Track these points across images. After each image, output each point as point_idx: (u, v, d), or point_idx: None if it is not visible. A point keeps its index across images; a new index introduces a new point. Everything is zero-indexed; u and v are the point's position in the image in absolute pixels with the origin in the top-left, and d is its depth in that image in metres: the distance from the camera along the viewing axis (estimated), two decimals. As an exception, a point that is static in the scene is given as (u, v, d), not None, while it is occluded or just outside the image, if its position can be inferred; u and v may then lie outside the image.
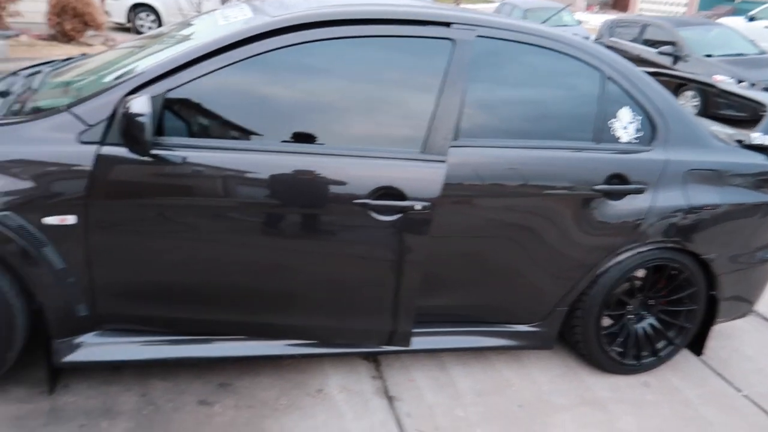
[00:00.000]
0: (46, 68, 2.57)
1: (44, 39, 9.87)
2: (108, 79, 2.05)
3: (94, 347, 2.02)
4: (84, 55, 2.85)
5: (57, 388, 2.08)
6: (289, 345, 2.21)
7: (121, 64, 2.22)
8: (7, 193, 1.77)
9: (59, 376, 2.10)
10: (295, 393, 2.23)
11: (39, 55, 7.94)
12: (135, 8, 11.80)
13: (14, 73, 2.47)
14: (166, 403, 2.10)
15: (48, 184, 1.80)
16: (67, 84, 2.24)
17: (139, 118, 1.67)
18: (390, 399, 2.26)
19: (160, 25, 11.75)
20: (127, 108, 1.72)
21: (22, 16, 9.49)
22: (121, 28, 11.94)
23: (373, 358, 2.47)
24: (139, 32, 11.63)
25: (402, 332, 2.19)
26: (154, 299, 2.05)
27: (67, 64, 2.61)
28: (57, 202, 1.81)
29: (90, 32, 10.52)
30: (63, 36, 10.09)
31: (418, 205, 1.95)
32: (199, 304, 2.08)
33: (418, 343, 2.25)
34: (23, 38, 9.29)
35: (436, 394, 2.31)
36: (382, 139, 2.05)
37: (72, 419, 1.97)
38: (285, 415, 2.12)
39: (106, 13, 11.58)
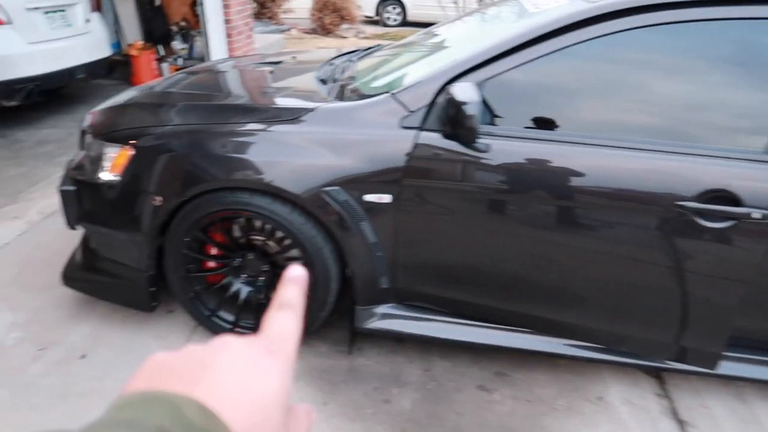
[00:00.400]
0: (353, 57, 2.81)
1: (307, 32, 11.05)
2: (420, 67, 2.15)
3: (389, 318, 2.17)
4: (379, 46, 3.07)
5: (353, 351, 2.27)
6: (569, 345, 2.13)
7: (429, 52, 2.32)
8: (338, 170, 1.95)
9: (355, 339, 2.30)
10: (573, 396, 2.14)
11: (306, 46, 8.92)
12: (383, 2, 12.58)
13: (329, 62, 2.74)
14: (447, 381, 2.17)
15: (372, 164, 1.94)
16: (381, 71, 2.41)
17: (468, 107, 1.71)
18: (681, 423, 2.04)
19: (404, 17, 12.36)
20: (453, 95, 1.77)
21: (293, 13, 10.75)
22: (369, 21, 12.82)
23: (656, 374, 2.26)
24: (386, 24, 12.40)
25: (708, 352, 1.95)
26: (445, 281, 2.11)
27: (371, 53, 2.82)
28: (377, 181, 1.95)
29: (344, 25, 11.52)
30: (322, 29, 11.21)
31: (757, 214, 1.70)
32: (484, 290, 2.10)
33: (722, 367, 1.99)
34: (293, 32, 10.50)
35: (736, 428, 2.03)
36: (714, 136, 1.83)
37: (367, 380, 2.15)
38: (565, 417, 2.05)
39: (359, 7, 12.54)
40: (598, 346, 2.12)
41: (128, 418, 0.26)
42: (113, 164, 2.10)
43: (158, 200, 2.04)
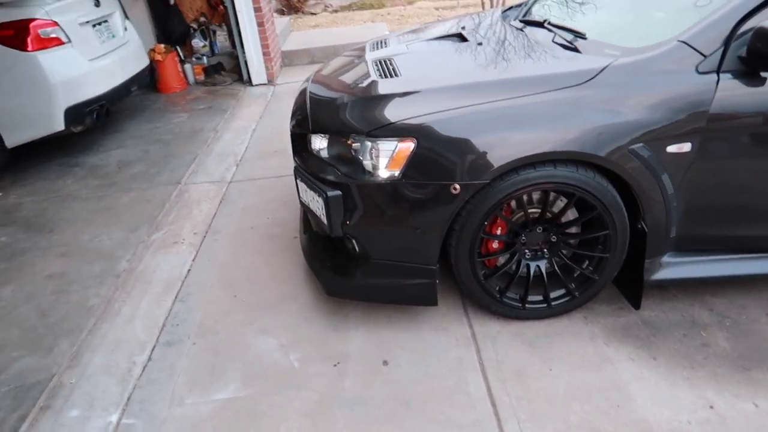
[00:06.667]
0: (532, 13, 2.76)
1: (276, 12, 10.74)
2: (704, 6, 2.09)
3: (674, 266, 2.20)
4: None
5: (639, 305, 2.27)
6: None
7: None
8: (639, 126, 1.94)
9: (641, 293, 2.29)
10: None
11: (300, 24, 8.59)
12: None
13: (523, 22, 2.68)
14: (737, 316, 2.23)
15: (672, 114, 1.93)
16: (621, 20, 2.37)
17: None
18: None
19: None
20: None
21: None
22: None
23: None
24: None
25: None
26: (730, 220, 2.15)
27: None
28: (679, 132, 1.95)
29: (311, 1, 11.34)
30: (289, 8, 11.04)
31: None
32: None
33: None
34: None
35: None
36: None
37: (670, 330, 2.18)
38: None
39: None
40: None
41: None
42: (393, 160, 2.00)
43: (456, 188, 1.97)
